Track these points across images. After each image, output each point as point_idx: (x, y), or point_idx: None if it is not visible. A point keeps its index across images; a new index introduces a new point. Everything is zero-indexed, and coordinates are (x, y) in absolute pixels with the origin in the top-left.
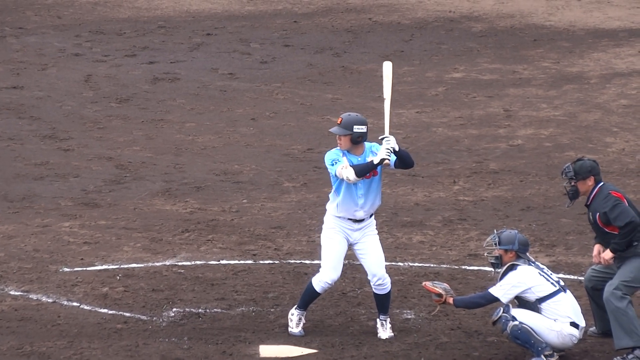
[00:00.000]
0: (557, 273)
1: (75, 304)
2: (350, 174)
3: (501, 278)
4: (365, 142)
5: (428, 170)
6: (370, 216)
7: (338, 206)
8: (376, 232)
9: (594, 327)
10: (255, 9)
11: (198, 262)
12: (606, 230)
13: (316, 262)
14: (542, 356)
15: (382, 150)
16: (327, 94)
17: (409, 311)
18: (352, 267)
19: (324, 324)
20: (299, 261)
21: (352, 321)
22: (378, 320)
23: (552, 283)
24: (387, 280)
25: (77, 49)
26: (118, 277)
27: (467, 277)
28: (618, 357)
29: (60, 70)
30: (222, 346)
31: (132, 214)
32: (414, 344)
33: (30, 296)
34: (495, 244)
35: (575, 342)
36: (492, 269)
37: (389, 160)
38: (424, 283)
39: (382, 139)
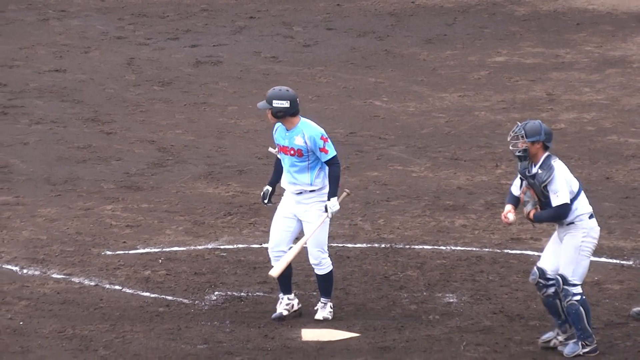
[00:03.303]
0: (599, 257)
1: (117, 287)
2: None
3: (544, 181)
4: (301, 119)
5: (470, 154)
6: (305, 192)
7: None
8: (319, 209)
9: (638, 307)
10: None
11: (240, 246)
12: None
13: (358, 245)
14: (580, 343)
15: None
16: (370, 78)
17: (451, 295)
18: (394, 250)
19: (366, 307)
20: (340, 245)
21: (394, 305)
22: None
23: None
24: (324, 261)
25: (120, 32)
26: (160, 261)
27: (509, 260)
28: None
29: (103, 54)
30: (264, 329)
31: (174, 197)
32: (456, 327)
33: (72, 279)
34: (522, 136)
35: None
36: (518, 162)
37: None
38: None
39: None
